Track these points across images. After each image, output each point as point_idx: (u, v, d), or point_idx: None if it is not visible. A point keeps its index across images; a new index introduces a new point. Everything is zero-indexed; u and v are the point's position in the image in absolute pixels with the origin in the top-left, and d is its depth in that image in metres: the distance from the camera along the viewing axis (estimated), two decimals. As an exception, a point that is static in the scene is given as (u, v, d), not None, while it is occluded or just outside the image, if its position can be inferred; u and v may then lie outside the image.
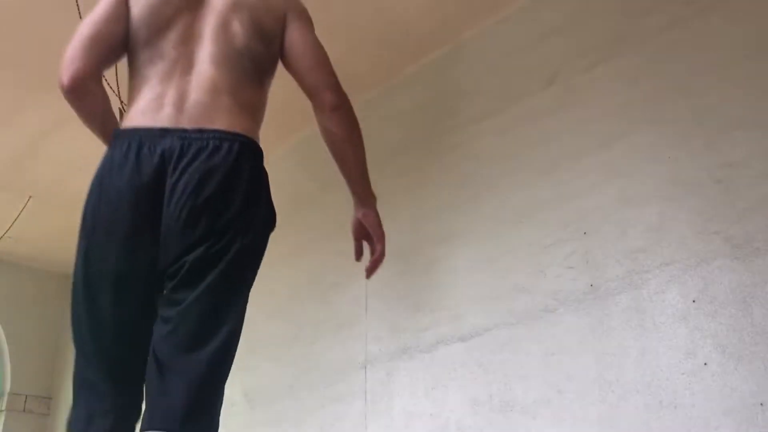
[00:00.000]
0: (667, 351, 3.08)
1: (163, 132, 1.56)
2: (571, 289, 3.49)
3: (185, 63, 1.66)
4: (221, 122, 1.60)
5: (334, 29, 4.61)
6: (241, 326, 1.69)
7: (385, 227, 4.88)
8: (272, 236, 5.18)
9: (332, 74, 1.76)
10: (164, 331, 1.48)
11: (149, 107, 1.61)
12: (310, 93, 1.79)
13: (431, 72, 4.68)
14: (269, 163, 6.36)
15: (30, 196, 6.35)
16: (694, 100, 3.31)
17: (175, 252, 1.52)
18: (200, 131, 1.56)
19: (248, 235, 1.67)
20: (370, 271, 1.84)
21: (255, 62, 1.78)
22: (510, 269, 3.77)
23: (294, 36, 1.77)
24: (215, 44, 1.68)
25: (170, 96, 1.61)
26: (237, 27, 1.71)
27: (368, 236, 1.87)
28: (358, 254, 1.85)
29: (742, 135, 3.11)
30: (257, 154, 1.72)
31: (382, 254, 1.82)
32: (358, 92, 5.30)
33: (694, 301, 3.06)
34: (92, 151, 5.97)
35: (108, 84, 4.36)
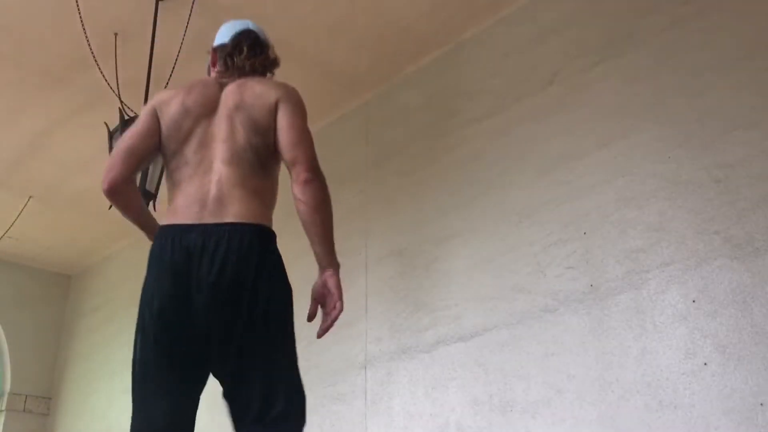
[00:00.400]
0: (667, 351, 3.08)
1: (189, 228, 1.89)
2: (571, 289, 3.49)
3: (205, 165, 1.99)
4: (235, 213, 1.91)
5: (334, 29, 4.62)
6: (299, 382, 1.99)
7: (385, 227, 4.93)
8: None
9: (309, 152, 2.08)
10: (234, 410, 1.94)
11: (179, 207, 1.96)
12: (289, 167, 2.06)
13: (431, 72, 4.68)
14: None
15: (30, 196, 6.36)
16: (694, 100, 3.31)
17: (208, 328, 1.87)
18: (218, 225, 1.88)
19: (267, 304, 1.89)
20: (323, 332, 2.07)
21: (257, 154, 2.03)
22: (510, 269, 3.78)
23: (281, 120, 2.07)
24: (225, 145, 2.00)
25: (194, 195, 1.95)
26: (239, 127, 2.02)
27: (326, 298, 2.05)
28: (312, 316, 2.06)
29: (742, 135, 3.11)
30: (265, 236, 1.95)
31: (338, 315, 2.03)
32: (358, 92, 5.32)
33: (694, 301, 3.06)
34: (92, 151, 6.01)
35: (108, 84, 4.37)
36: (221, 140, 2.03)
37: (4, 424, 7.23)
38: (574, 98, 3.79)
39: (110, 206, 3.61)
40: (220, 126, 2.04)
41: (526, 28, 4.16)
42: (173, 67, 4.33)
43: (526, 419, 3.47)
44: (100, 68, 4.31)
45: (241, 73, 2.18)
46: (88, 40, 4.24)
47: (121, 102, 4.15)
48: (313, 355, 4.74)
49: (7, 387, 7.39)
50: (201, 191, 1.96)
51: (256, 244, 1.90)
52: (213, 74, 2.30)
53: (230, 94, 2.09)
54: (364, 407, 4.23)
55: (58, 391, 7.55)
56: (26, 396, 7.42)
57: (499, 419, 3.58)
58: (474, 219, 4.07)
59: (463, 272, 4.01)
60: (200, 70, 4.65)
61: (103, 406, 6.82)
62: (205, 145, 2.02)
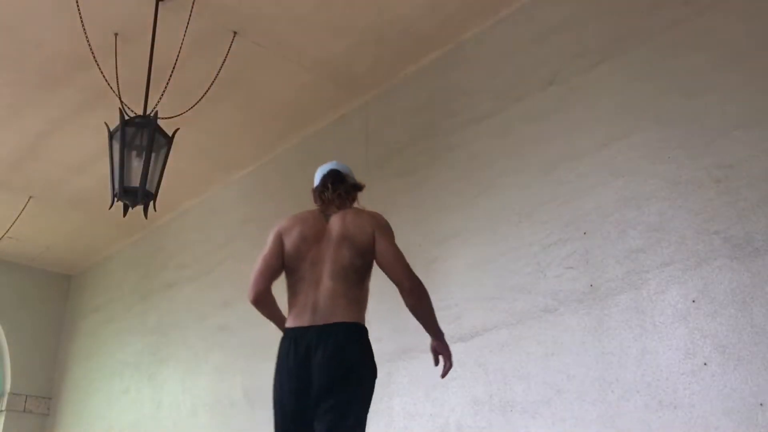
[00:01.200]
0: (667, 351, 3.09)
1: (306, 329, 2.55)
2: (571, 289, 3.49)
3: (316, 280, 2.62)
4: (340, 316, 2.56)
5: (334, 29, 4.62)
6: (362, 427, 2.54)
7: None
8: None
9: (405, 267, 2.68)
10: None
11: (298, 313, 2.60)
12: (393, 281, 2.68)
13: (431, 72, 4.68)
14: (273, 161, 6.35)
15: (30, 196, 6.36)
16: (693, 101, 3.31)
17: (322, 398, 2.51)
18: (327, 325, 2.54)
19: (361, 381, 2.57)
20: (444, 375, 2.78)
21: (357, 272, 2.66)
22: (510, 269, 3.78)
23: (380, 246, 2.68)
24: (332, 265, 2.64)
25: (309, 304, 2.59)
26: (344, 251, 2.65)
27: (437, 354, 2.80)
28: (436, 362, 2.81)
29: (741, 135, 3.11)
30: (361, 331, 2.61)
31: (450, 365, 2.77)
32: (359, 92, 5.32)
33: (693, 302, 3.06)
34: (92, 151, 6.01)
35: (109, 85, 4.37)
36: (329, 261, 2.65)
37: (5, 425, 7.24)
38: (574, 98, 3.79)
39: (110, 206, 4.13)
40: (328, 250, 2.67)
41: (526, 28, 4.16)
42: (173, 67, 4.33)
43: (526, 419, 3.48)
44: (100, 68, 4.32)
45: (335, 204, 2.83)
46: (88, 40, 4.24)
47: (122, 102, 4.15)
48: (313, 355, 4.74)
49: (8, 387, 7.39)
50: (313, 300, 2.59)
51: (355, 338, 2.57)
52: (317, 207, 2.89)
53: (334, 225, 2.73)
54: (364, 407, 4.22)
55: (59, 392, 7.55)
56: (26, 396, 7.42)
57: (499, 419, 3.59)
58: (474, 219, 4.07)
59: (463, 272, 4.01)
60: (200, 70, 4.66)
61: (103, 406, 6.83)
62: (316, 264, 2.64)
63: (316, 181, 3.00)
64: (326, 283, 2.61)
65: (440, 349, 2.74)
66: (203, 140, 5.51)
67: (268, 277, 2.70)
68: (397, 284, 2.65)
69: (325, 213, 2.80)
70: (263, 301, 2.71)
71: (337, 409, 2.48)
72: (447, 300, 3.99)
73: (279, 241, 2.72)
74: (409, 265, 2.69)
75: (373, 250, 2.67)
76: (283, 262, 2.71)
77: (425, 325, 2.72)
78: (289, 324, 2.62)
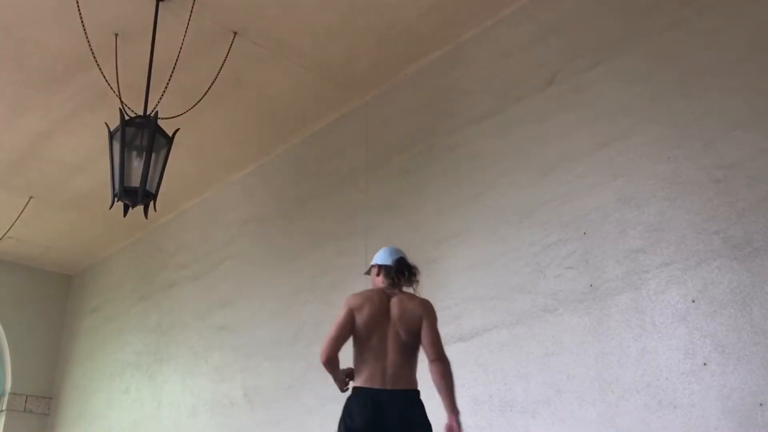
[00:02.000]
0: (666, 351, 3.09)
1: (379, 392, 3.09)
2: (571, 289, 3.49)
3: (383, 351, 3.15)
4: (403, 383, 3.12)
5: (334, 30, 4.62)
6: None
7: (385, 227, 4.90)
8: (274, 235, 5.17)
9: (439, 346, 3.17)
10: None
11: (369, 377, 3.12)
12: (431, 356, 3.16)
13: (431, 72, 4.69)
14: (273, 161, 6.34)
15: (30, 197, 6.36)
16: (693, 101, 3.31)
17: None
18: (395, 390, 3.10)
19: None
20: None
21: (411, 347, 3.18)
22: (510, 269, 3.78)
23: (425, 329, 3.19)
24: (394, 341, 3.17)
25: (378, 370, 3.12)
26: (401, 330, 3.17)
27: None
28: None
29: (741, 135, 3.11)
30: (418, 395, 3.14)
31: None
32: (359, 92, 5.32)
33: (693, 302, 3.06)
34: (92, 151, 6.01)
35: (109, 85, 4.37)
36: (391, 337, 3.17)
37: (5, 424, 7.24)
38: (574, 98, 3.79)
39: (111, 206, 4.20)
40: (392, 328, 3.18)
41: (526, 29, 4.17)
42: (173, 68, 4.33)
43: (526, 419, 3.48)
44: (100, 68, 4.32)
45: (399, 287, 3.28)
46: (88, 41, 4.24)
47: (122, 102, 4.15)
48: (313, 355, 4.74)
49: (8, 387, 7.39)
50: (381, 368, 3.12)
51: (416, 402, 3.12)
52: (378, 283, 3.32)
53: (395, 307, 3.21)
54: (364, 407, 4.22)
55: (59, 391, 7.55)
56: (27, 396, 7.43)
57: (499, 419, 3.59)
58: (474, 219, 4.07)
59: (463, 272, 4.01)
60: (200, 70, 4.67)
61: (104, 406, 6.83)
62: (382, 339, 3.16)
63: (386, 260, 3.35)
64: (392, 355, 3.15)
65: (455, 427, 3.08)
66: (203, 140, 5.52)
67: (338, 344, 3.21)
68: (429, 357, 3.15)
69: (388, 293, 3.26)
70: (332, 363, 3.21)
71: None
72: (447, 300, 3.99)
73: (350, 315, 3.21)
74: (442, 345, 3.20)
75: (419, 331, 3.19)
76: (351, 332, 3.22)
77: (445, 397, 3.11)
78: (362, 384, 3.16)
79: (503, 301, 3.75)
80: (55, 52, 4.67)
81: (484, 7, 4.29)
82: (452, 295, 3.99)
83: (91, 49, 4.26)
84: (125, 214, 4.16)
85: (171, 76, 4.32)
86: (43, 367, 7.60)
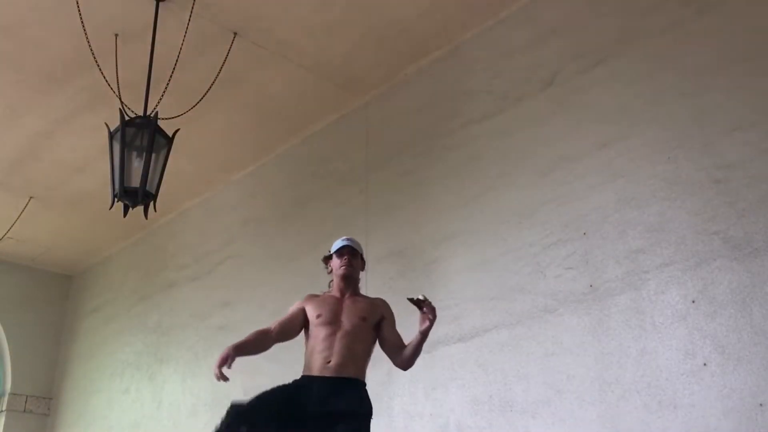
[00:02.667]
0: (666, 351, 3.09)
1: (314, 377, 3.07)
2: (571, 290, 3.49)
3: (331, 346, 3.10)
4: (347, 373, 3.06)
5: (334, 30, 4.62)
6: None
7: (385, 227, 4.91)
8: (274, 235, 5.19)
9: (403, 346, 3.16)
10: None
11: (312, 368, 3.12)
12: (396, 354, 3.15)
13: (431, 72, 4.69)
14: (273, 162, 6.32)
15: (30, 197, 6.36)
16: (693, 101, 3.31)
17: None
18: (331, 377, 3.05)
19: (358, 420, 3.04)
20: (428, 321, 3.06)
21: (364, 343, 3.16)
22: (510, 269, 3.78)
23: (388, 329, 3.22)
24: (345, 336, 3.12)
25: (322, 362, 3.08)
26: (354, 326, 3.15)
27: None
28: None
29: (741, 136, 3.11)
30: (360, 384, 3.11)
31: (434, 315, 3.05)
32: (359, 92, 5.31)
33: (693, 302, 3.06)
34: (92, 151, 6.01)
35: (109, 85, 4.37)
36: (343, 333, 3.13)
37: (5, 425, 7.24)
38: (574, 99, 3.79)
39: (111, 207, 4.24)
40: (344, 324, 3.16)
41: (526, 29, 4.17)
42: (173, 68, 4.33)
43: (526, 419, 3.48)
44: (100, 69, 4.32)
45: (354, 267, 3.31)
46: (88, 41, 4.24)
47: (122, 102, 4.15)
48: (314, 355, 4.74)
49: (8, 387, 7.39)
50: (326, 359, 3.07)
51: (351, 389, 3.04)
52: (336, 270, 3.32)
53: (349, 305, 3.22)
54: (364, 407, 4.22)
55: (59, 392, 7.55)
56: (27, 396, 7.42)
57: (499, 419, 3.59)
58: (474, 219, 4.07)
59: (462, 272, 4.01)
60: (200, 70, 4.67)
61: (104, 406, 6.83)
62: (332, 334, 3.12)
63: (334, 248, 3.36)
64: (339, 349, 3.10)
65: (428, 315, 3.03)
66: (203, 140, 5.51)
67: (285, 329, 3.26)
68: (397, 353, 3.15)
69: (342, 294, 3.29)
70: (264, 338, 3.27)
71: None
72: (447, 300, 3.99)
73: (302, 311, 3.27)
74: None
75: (375, 328, 3.20)
76: (302, 328, 3.28)
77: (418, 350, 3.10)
78: (304, 373, 3.17)
79: (503, 301, 3.75)
80: (55, 52, 4.67)
81: (484, 7, 4.29)
82: (452, 295, 3.99)
83: (91, 50, 4.26)
84: (125, 215, 4.16)
85: (171, 76, 4.32)
86: (43, 368, 7.60)
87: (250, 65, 4.76)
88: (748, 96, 3.14)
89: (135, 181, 4.02)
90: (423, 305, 3.01)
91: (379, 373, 4.18)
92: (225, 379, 3.15)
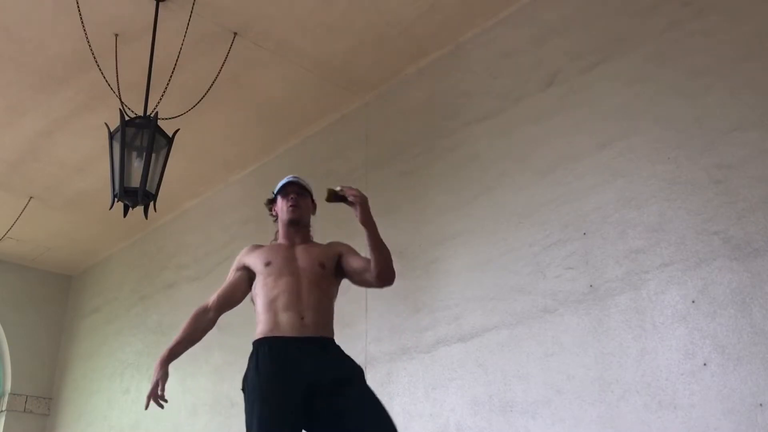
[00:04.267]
0: (666, 351, 3.09)
1: (287, 340, 2.68)
2: (571, 290, 3.49)
3: (291, 301, 2.71)
4: (318, 332, 2.70)
5: (334, 30, 4.62)
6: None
7: (385, 227, 4.91)
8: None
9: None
10: None
11: (274, 327, 2.73)
12: (365, 270, 2.78)
13: (431, 72, 4.69)
14: (273, 162, 6.32)
15: (30, 197, 6.36)
16: (693, 101, 3.31)
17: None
18: (308, 338, 2.66)
19: (363, 378, 2.76)
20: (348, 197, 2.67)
21: (326, 292, 2.80)
22: (510, 270, 3.78)
23: (349, 256, 2.84)
24: (305, 286, 2.75)
25: (285, 319, 2.70)
26: (313, 274, 2.79)
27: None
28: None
29: (741, 136, 3.11)
30: (334, 343, 2.78)
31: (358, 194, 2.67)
32: (359, 92, 5.32)
33: (693, 302, 3.06)
34: (92, 152, 6.01)
35: (109, 85, 4.37)
36: (302, 282, 2.75)
37: (5, 425, 7.23)
38: (574, 99, 3.79)
39: (111, 207, 4.20)
40: (302, 273, 2.77)
41: (526, 29, 4.17)
42: (173, 68, 4.33)
43: (526, 419, 3.48)
44: (100, 69, 4.32)
45: (300, 205, 2.92)
46: (88, 41, 4.25)
47: (122, 102, 4.15)
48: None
49: (8, 387, 7.39)
50: (290, 317, 2.69)
51: (332, 348, 2.73)
52: (282, 215, 2.94)
53: (301, 252, 2.84)
54: (364, 407, 4.22)
55: (59, 392, 7.55)
56: (27, 396, 7.42)
57: (499, 419, 3.59)
58: (474, 219, 4.07)
59: (462, 273, 4.01)
60: (200, 70, 4.67)
61: (104, 406, 6.83)
62: (290, 286, 2.74)
63: (276, 189, 2.99)
64: (303, 302, 2.75)
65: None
66: (203, 140, 5.52)
67: (223, 303, 3.06)
68: (370, 271, 2.74)
69: (290, 243, 2.91)
70: (202, 319, 3.14)
71: None
72: (447, 300, 3.99)
73: (245, 272, 2.94)
74: None
75: (336, 270, 2.86)
76: (247, 291, 2.96)
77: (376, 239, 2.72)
78: (265, 335, 2.80)
79: (503, 301, 3.75)
80: (55, 52, 4.67)
81: (484, 8, 4.29)
82: (452, 295, 3.99)
83: (91, 50, 4.27)
84: (125, 215, 4.16)
85: (171, 76, 4.32)
86: (43, 368, 7.60)
87: (250, 65, 4.76)
88: (748, 96, 3.14)
89: (135, 182, 4.03)
90: (342, 194, 2.62)
91: (379, 373, 4.19)
92: (164, 401, 2.87)
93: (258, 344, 2.78)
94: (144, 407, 2.85)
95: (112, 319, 7.13)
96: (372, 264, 2.70)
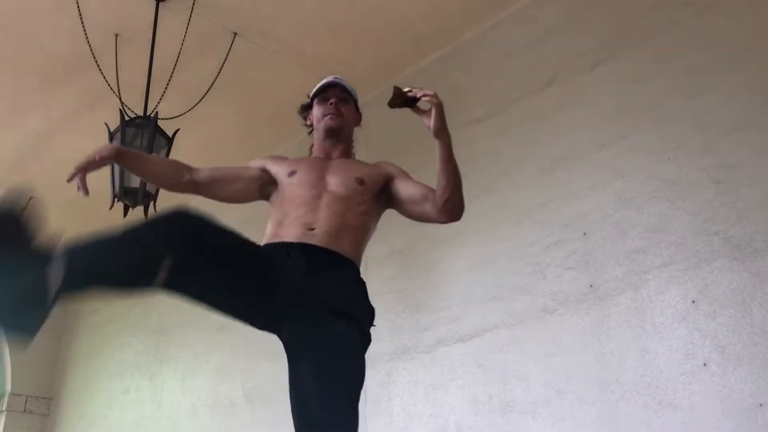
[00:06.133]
0: (666, 351, 3.09)
1: (292, 243, 2.15)
2: (571, 290, 3.49)
3: (311, 211, 2.24)
4: (334, 246, 2.18)
5: (334, 30, 4.62)
6: None
7: (386, 227, 4.91)
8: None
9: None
10: None
11: (283, 234, 2.22)
12: (425, 210, 2.30)
13: (431, 72, 4.68)
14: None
15: (30, 197, 6.35)
16: (693, 101, 3.31)
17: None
18: (317, 246, 2.14)
19: (361, 327, 2.24)
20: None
21: (358, 214, 2.32)
22: (510, 270, 3.78)
23: (403, 182, 2.44)
24: (331, 202, 2.27)
25: (299, 228, 2.21)
26: (345, 189, 2.31)
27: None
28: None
29: (741, 136, 3.11)
30: (357, 269, 2.31)
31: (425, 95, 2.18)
32: (359, 93, 5.30)
33: (693, 302, 3.06)
34: (92, 152, 5.97)
35: (109, 85, 4.37)
36: (329, 198, 2.28)
37: (5, 425, 7.23)
38: (574, 99, 3.79)
39: (111, 207, 4.19)
40: (331, 187, 2.31)
41: (526, 29, 4.17)
42: (173, 68, 4.33)
43: (526, 419, 3.48)
44: (100, 69, 4.32)
45: (341, 114, 2.49)
46: (88, 41, 4.25)
47: (122, 103, 4.16)
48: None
49: (8, 387, 7.39)
50: (305, 225, 2.22)
51: (343, 267, 2.21)
52: (318, 126, 2.48)
53: (337, 167, 2.40)
54: (364, 407, 4.22)
55: (59, 392, 7.55)
56: (27, 396, 7.42)
57: (499, 419, 3.59)
58: (474, 219, 4.04)
59: (462, 273, 4.01)
60: (200, 70, 4.67)
61: (104, 406, 6.83)
62: (313, 199, 2.29)
63: (313, 93, 2.53)
64: (324, 215, 2.31)
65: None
66: (203, 141, 5.51)
67: (205, 175, 2.71)
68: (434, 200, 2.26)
69: (327, 155, 2.48)
70: (162, 164, 2.55)
71: None
72: (447, 300, 3.99)
73: (262, 170, 2.54)
74: None
75: (378, 193, 2.42)
76: (260, 194, 2.59)
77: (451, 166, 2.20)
78: (271, 240, 2.39)
79: (503, 301, 3.74)
80: (55, 52, 4.67)
81: (484, 8, 4.29)
82: (452, 295, 3.99)
83: (91, 50, 4.27)
84: (125, 215, 4.16)
85: (171, 76, 4.32)
86: (43, 368, 7.59)
87: (250, 65, 4.76)
88: (749, 96, 3.14)
89: (135, 182, 4.03)
90: (413, 96, 2.09)
91: (379, 374, 4.19)
92: (85, 190, 2.19)
93: None
94: (75, 186, 2.22)
95: (111, 320, 7.13)
96: (439, 190, 2.20)
